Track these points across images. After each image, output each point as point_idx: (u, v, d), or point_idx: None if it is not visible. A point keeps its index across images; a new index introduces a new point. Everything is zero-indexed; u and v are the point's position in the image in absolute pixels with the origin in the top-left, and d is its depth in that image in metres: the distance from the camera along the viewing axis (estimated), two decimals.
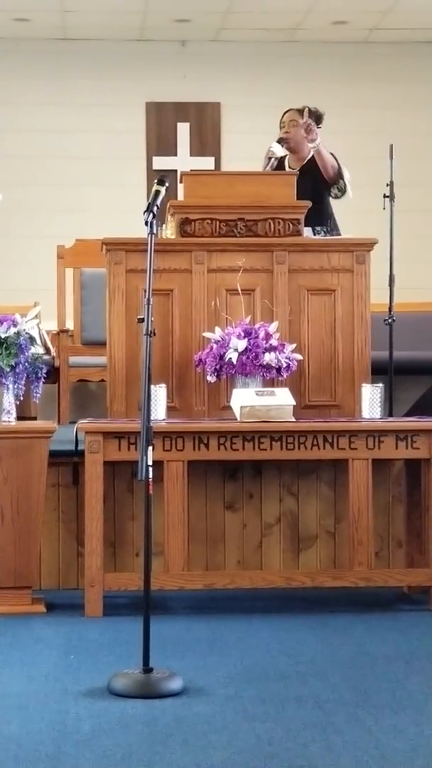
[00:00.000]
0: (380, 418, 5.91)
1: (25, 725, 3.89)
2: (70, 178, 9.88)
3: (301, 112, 7.29)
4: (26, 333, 5.72)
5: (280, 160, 7.32)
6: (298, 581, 5.75)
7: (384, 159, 7.45)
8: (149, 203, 4.66)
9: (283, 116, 7.40)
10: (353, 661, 4.76)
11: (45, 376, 5.82)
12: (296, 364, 5.99)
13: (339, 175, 7.27)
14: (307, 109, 7.26)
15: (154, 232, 4.63)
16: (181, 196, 6.57)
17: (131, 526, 6.02)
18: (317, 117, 7.28)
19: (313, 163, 7.27)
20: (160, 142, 10.02)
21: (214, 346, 5.95)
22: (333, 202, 7.45)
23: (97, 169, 9.89)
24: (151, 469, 4.39)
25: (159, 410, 5.74)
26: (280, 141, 7.26)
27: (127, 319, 6.16)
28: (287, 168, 7.29)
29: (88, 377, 8.29)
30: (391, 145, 7.41)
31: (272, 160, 7.17)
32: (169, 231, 6.40)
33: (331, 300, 6.29)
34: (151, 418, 4.51)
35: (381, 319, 7.06)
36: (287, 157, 7.35)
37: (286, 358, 5.93)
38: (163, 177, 4.82)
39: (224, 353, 5.90)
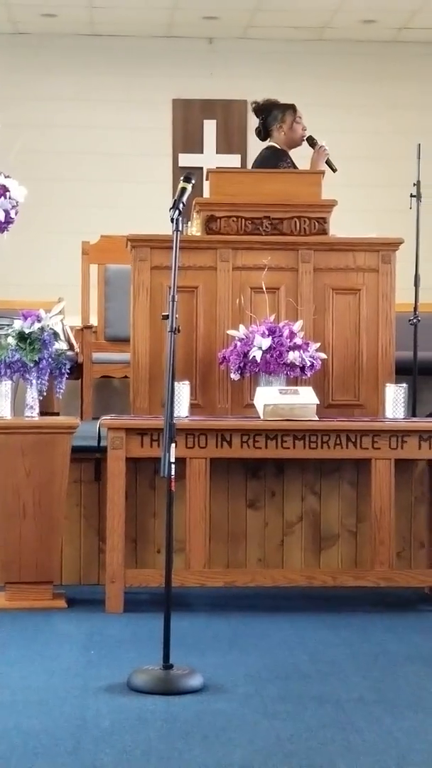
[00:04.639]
0: (404, 418, 5.89)
1: (44, 720, 3.90)
2: (96, 174, 9.88)
3: None
4: (50, 328, 5.73)
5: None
6: (319, 580, 5.74)
7: (410, 159, 7.44)
8: (175, 200, 4.65)
9: (296, 111, 7.36)
10: (374, 661, 4.75)
11: (68, 371, 5.83)
12: (320, 363, 5.98)
13: None
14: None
15: (180, 229, 4.62)
16: (206, 194, 6.57)
17: (153, 523, 6.03)
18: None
19: None
20: (187, 139, 10.01)
21: (238, 343, 5.94)
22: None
23: (123, 165, 9.89)
24: (173, 466, 4.39)
25: (182, 407, 5.74)
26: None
27: (151, 316, 6.16)
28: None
29: (112, 373, 8.30)
30: (419, 145, 7.39)
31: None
32: (194, 228, 6.40)
33: (356, 299, 6.28)
34: (174, 415, 4.51)
35: (406, 319, 7.05)
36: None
37: (310, 356, 5.92)
38: (190, 174, 4.81)
39: (248, 351, 5.89)
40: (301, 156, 7.30)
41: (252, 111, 7.36)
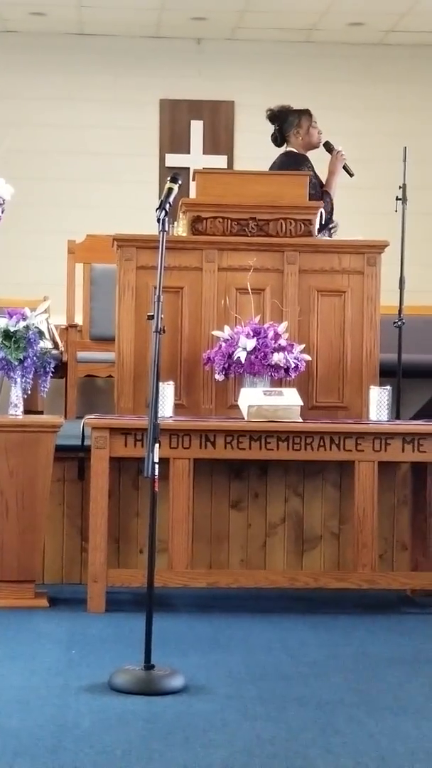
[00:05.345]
0: (387, 421, 5.90)
1: (25, 719, 3.89)
2: (83, 174, 9.88)
3: None
4: (35, 327, 5.73)
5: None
6: (301, 582, 5.75)
7: (398, 161, 7.46)
8: (162, 200, 4.65)
9: (311, 115, 7.41)
10: (355, 663, 4.76)
11: (53, 370, 5.82)
12: (304, 364, 5.99)
13: None
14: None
15: (166, 229, 4.62)
16: (193, 194, 6.57)
17: (136, 523, 6.02)
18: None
19: None
20: (174, 139, 10.02)
21: (223, 344, 5.94)
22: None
23: (109, 165, 9.88)
24: (157, 466, 4.39)
25: (166, 407, 5.74)
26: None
27: (136, 316, 6.16)
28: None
29: (96, 373, 8.29)
30: (405, 148, 7.41)
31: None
32: (180, 229, 6.40)
33: (341, 301, 6.28)
34: (159, 415, 4.51)
35: (390, 321, 7.06)
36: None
37: (295, 358, 5.93)
38: (176, 174, 4.81)
39: (233, 352, 5.89)
40: (318, 159, 7.34)
41: (267, 118, 7.40)
